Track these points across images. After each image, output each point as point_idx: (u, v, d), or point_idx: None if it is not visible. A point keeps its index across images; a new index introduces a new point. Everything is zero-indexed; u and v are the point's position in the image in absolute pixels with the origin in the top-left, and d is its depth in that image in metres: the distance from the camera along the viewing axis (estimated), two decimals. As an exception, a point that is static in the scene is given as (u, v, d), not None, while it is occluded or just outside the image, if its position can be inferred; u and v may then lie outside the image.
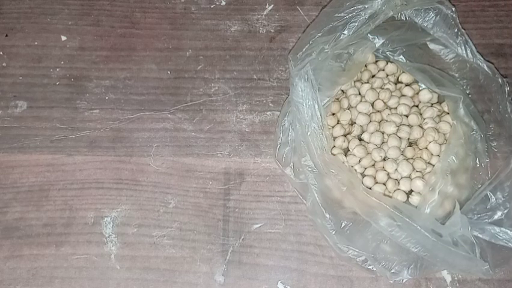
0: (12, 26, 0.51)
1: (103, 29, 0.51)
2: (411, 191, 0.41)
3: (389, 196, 0.41)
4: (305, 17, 0.51)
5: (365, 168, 0.42)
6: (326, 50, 0.39)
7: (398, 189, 0.41)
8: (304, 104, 0.38)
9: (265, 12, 0.51)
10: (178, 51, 0.50)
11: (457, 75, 0.44)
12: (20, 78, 0.49)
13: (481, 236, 0.36)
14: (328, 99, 0.41)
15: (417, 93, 0.44)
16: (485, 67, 0.41)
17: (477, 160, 0.42)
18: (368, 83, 0.45)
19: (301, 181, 0.42)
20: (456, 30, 0.41)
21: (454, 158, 0.39)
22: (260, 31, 0.51)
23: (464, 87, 0.44)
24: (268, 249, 0.43)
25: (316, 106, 0.37)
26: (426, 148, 0.42)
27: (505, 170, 0.38)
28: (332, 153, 0.42)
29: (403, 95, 0.44)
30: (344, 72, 0.42)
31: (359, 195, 0.37)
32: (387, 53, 0.46)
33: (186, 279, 0.42)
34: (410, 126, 0.43)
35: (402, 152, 0.42)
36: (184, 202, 0.45)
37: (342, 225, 0.39)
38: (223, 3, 0.52)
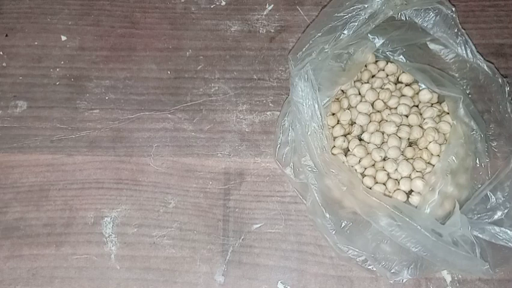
0: (12, 26, 0.51)
1: (103, 29, 0.51)
2: (411, 191, 0.41)
3: (389, 196, 0.41)
4: (305, 17, 0.51)
5: (365, 168, 0.42)
6: (326, 50, 0.39)
7: (398, 189, 0.41)
8: (304, 104, 0.38)
9: (265, 12, 0.51)
10: (178, 51, 0.50)
11: (457, 75, 0.44)
12: (20, 78, 0.49)
13: (481, 236, 0.36)
14: (328, 99, 0.41)
15: (417, 93, 0.44)
16: (485, 67, 0.41)
17: (477, 160, 0.42)
18: (368, 83, 0.45)
19: (301, 181, 0.42)
20: (456, 30, 0.41)
21: (454, 158, 0.39)
22: (260, 31, 0.51)
23: (464, 87, 0.44)
24: (268, 249, 0.43)
25: (316, 106, 0.37)
26: (426, 148, 0.42)
27: (505, 170, 0.38)
28: (332, 153, 0.42)
29: (403, 95, 0.44)
30: (344, 72, 0.42)
31: (359, 195, 0.37)
32: (387, 53, 0.46)
33: (186, 279, 0.42)
34: (410, 126, 0.43)
35: (402, 152, 0.42)
36: (184, 202, 0.45)
37: (342, 225, 0.39)
38: (223, 3, 0.52)
